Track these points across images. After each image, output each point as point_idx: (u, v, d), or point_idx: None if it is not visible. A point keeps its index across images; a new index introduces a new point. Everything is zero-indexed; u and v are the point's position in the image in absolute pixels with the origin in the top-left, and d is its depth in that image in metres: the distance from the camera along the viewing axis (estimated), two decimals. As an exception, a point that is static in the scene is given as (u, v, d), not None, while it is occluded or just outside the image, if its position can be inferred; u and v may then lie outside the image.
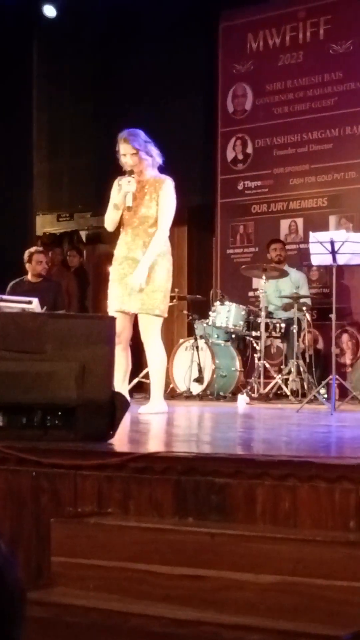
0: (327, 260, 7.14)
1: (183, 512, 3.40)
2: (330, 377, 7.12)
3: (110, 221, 6.55)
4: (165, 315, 6.52)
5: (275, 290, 9.89)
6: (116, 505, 3.51)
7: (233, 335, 9.74)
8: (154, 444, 4.49)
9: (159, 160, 6.50)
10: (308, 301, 9.69)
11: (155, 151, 6.47)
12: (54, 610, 3.18)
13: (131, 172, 6.38)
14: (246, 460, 3.45)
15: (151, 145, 6.46)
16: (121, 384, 6.30)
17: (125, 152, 6.41)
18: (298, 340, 9.10)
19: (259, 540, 3.13)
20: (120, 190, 6.39)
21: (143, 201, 6.42)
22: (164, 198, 6.42)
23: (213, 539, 3.16)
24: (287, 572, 3.00)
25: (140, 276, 6.27)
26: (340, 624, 2.83)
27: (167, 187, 6.45)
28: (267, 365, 9.07)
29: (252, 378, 9.15)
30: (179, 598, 3.11)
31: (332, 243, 6.96)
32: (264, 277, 9.29)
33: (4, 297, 7.33)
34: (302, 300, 9.31)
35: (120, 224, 6.54)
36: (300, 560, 3.00)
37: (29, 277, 9.56)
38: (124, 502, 3.50)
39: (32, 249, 9.70)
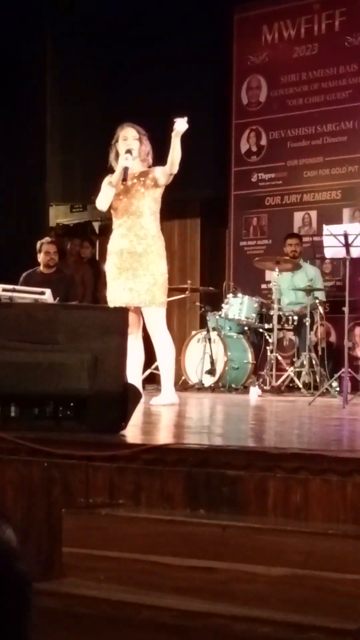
0: (340, 253, 7.12)
1: (194, 504, 3.40)
2: (343, 370, 7.11)
3: (104, 199, 6.53)
4: (165, 306, 6.53)
5: (290, 284, 9.87)
6: (127, 496, 3.51)
7: (245, 328, 9.72)
8: (166, 436, 4.50)
9: (150, 158, 6.53)
10: (322, 296, 9.66)
11: (150, 149, 6.53)
12: (64, 601, 3.19)
13: (129, 151, 6.42)
14: (258, 452, 3.45)
15: (149, 144, 6.54)
16: (135, 375, 6.32)
17: (128, 136, 6.48)
18: (310, 333, 9.08)
19: (270, 532, 3.13)
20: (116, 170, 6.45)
21: (136, 193, 6.45)
22: (158, 170, 6.46)
23: (224, 531, 3.16)
24: (298, 565, 3.00)
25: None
26: (351, 618, 2.83)
27: (157, 168, 6.49)
28: (280, 358, 9.05)
29: (265, 370, 9.14)
30: (190, 590, 3.11)
31: (345, 236, 6.95)
32: (277, 269, 9.27)
33: (17, 287, 7.34)
34: (316, 294, 9.29)
35: (111, 218, 6.57)
36: (311, 553, 3.00)
37: (41, 268, 9.58)
38: (135, 494, 3.51)
39: (44, 240, 9.71)
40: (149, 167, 6.57)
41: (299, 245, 10.00)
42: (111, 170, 6.56)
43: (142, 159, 6.54)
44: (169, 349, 6.50)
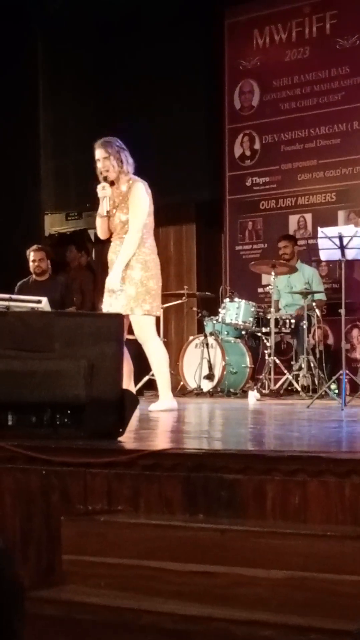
0: (335, 255, 7.13)
1: (193, 508, 3.40)
2: (341, 372, 7.11)
3: (99, 230, 6.68)
4: (156, 313, 6.55)
5: (286, 286, 9.87)
6: (126, 502, 3.51)
7: (243, 332, 9.72)
8: (164, 441, 4.49)
9: (130, 168, 6.53)
10: (322, 297, 9.66)
11: (128, 159, 6.52)
12: (65, 608, 3.18)
13: (105, 179, 6.46)
14: (255, 456, 3.45)
15: (125, 152, 6.52)
16: (126, 383, 6.33)
17: (99, 157, 6.54)
18: (308, 336, 9.07)
19: (269, 535, 3.12)
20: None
21: (119, 207, 6.48)
22: (132, 201, 6.47)
23: (223, 535, 3.16)
24: (297, 567, 3.00)
25: (113, 278, 6.39)
26: (351, 619, 2.82)
27: (135, 190, 6.49)
28: (278, 362, 9.05)
29: (263, 374, 9.13)
30: (190, 594, 3.11)
31: (340, 238, 6.95)
32: (273, 273, 9.27)
33: (14, 297, 7.34)
34: (316, 296, 9.29)
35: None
36: (311, 555, 2.99)
37: (33, 276, 9.58)
38: (134, 500, 3.50)
39: (30, 248, 9.69)
40: (130, 179, 6.54)
41: (289, 247, 9.96)
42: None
43: (120, 172, 6.52)
44: (161, 355, 6.51)
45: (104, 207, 6.49)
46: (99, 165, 6.53)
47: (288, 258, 9.85)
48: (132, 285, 6.40)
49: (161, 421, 5.77)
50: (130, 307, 6.36)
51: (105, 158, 6.50)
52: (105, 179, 6.50)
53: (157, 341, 6.55)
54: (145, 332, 6.45)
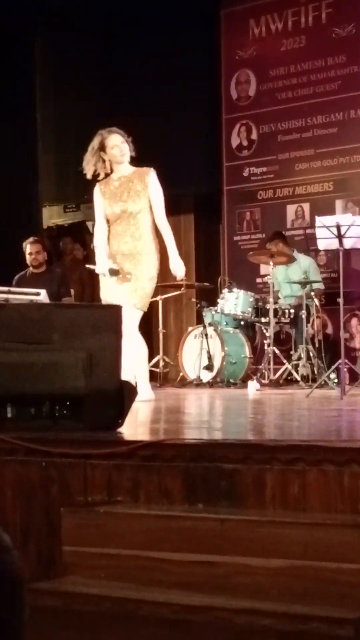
0: (333, 244, 7.12)
1: (193, 498, 3.40)
2: (340, 361, 7.11)
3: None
4: (145, 309, 6.53)
5: (284, 277, 9.86)
6: (126, 493, 3.52)
7: (242, 322, 9.72)
8: (163, 432, 4.50)
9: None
10: (320, 286, 9.66)
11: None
12: (66, 599, 3.19)
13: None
14: (254, 445, 3.46)
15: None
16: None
17: (116, 143, 6.48)
18: (307, 326, 9.07)
19: (269, 525, 3.13)
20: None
21: (130, 193, 6.43)
22: (155, 188, 6.45)
23: (223, 524, 3.16)
24: (297, 556, 3.01)
25: (179, 265, 6.62)
26: (351, 607, 2.83)
27: (154, 178, 6.50)
28: (277, 351, 9.05)
29: (262, 364, 9.13)
30: (190, 584, 3.12)
31: (338, 227, 6.95)
32: (271, 263, 9.26)
33: (12, 289, 7.33)
34: (314, 285, 9.29)
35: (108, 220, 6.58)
36: (310, 544, 3.00)
37: (31, 268, 9.55)
38: (133, 490, 3.51)
39: (27, 240, 9.62)
40: (138, 167, 6.54)
41: (279, 243, 9.93)
42: (97, 179, 6.57)
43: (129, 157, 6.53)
44: (143, 347, 6.52)
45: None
46: (116, 151, 6.48)
47: (282, 253, 9.81)
48: (140, 282, 6.38)
49: (160, 412, 5.78)
50: (132, 302, 6.32)
51: (124, 142, 6.49)
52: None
53: (140, 335, 6.55)
54: (136, 324, 6.44)
